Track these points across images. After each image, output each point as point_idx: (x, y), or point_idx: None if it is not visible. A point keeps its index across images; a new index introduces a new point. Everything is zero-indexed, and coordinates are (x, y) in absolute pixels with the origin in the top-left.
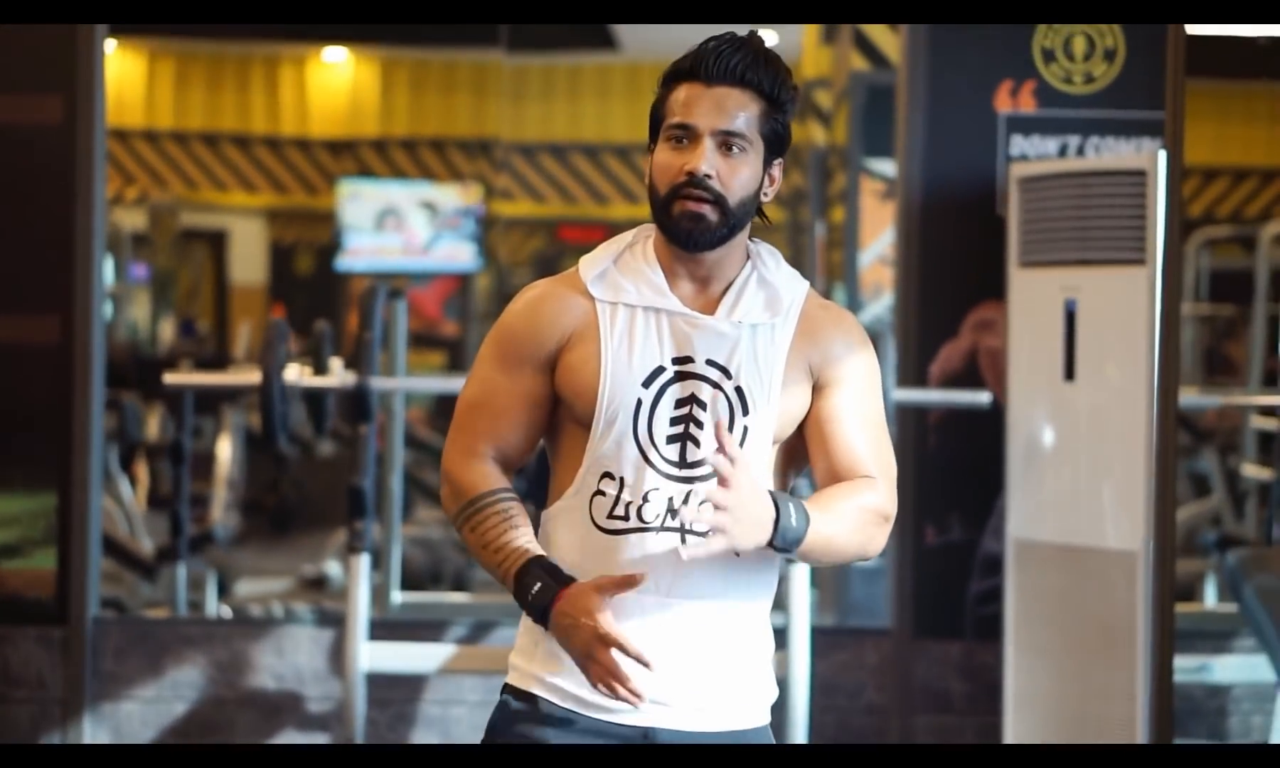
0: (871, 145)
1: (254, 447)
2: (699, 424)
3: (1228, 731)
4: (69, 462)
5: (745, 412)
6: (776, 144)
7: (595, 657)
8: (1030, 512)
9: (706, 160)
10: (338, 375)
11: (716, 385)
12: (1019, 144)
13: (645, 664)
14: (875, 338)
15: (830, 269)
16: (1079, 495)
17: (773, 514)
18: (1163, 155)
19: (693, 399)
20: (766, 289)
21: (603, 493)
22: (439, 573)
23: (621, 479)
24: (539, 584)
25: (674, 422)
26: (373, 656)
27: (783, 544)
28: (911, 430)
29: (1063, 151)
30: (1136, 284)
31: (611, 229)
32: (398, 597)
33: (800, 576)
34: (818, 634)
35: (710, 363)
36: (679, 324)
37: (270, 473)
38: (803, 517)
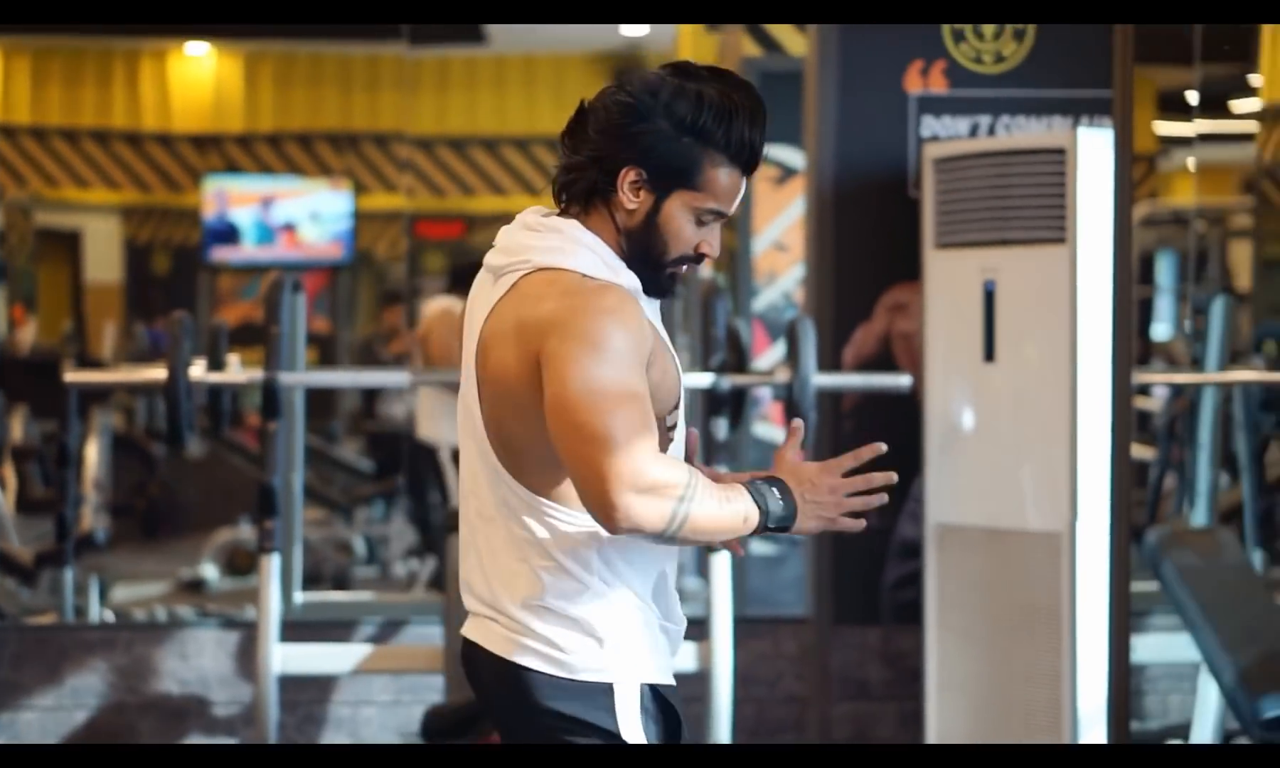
0: None
1: (120, 449)
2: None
3: (1145, 711)
4: None
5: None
6: None
7: (843, 489)
8: (950, 495)
9: (719, 244)
10: (242, 371)
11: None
12: (930, 125)
13: (878, 451)
14: (795, 324)
15: None
16: (1000, 478)
17: None
18: (1109, 135)
19: None
20: None
21: None
22: (319, 574)
23: (683, 454)
24: (777, 490)
25: None
26: (285, 658)
27: None
28: (827, 416)
29: (974, 131)
30: (1057, 263)
31: (470, 223)
32: (300, 596)
33: (721, 565)
34: (735, 624)
35: (670, 340)
36: (651, 313)
37: (137, 475)
38: None
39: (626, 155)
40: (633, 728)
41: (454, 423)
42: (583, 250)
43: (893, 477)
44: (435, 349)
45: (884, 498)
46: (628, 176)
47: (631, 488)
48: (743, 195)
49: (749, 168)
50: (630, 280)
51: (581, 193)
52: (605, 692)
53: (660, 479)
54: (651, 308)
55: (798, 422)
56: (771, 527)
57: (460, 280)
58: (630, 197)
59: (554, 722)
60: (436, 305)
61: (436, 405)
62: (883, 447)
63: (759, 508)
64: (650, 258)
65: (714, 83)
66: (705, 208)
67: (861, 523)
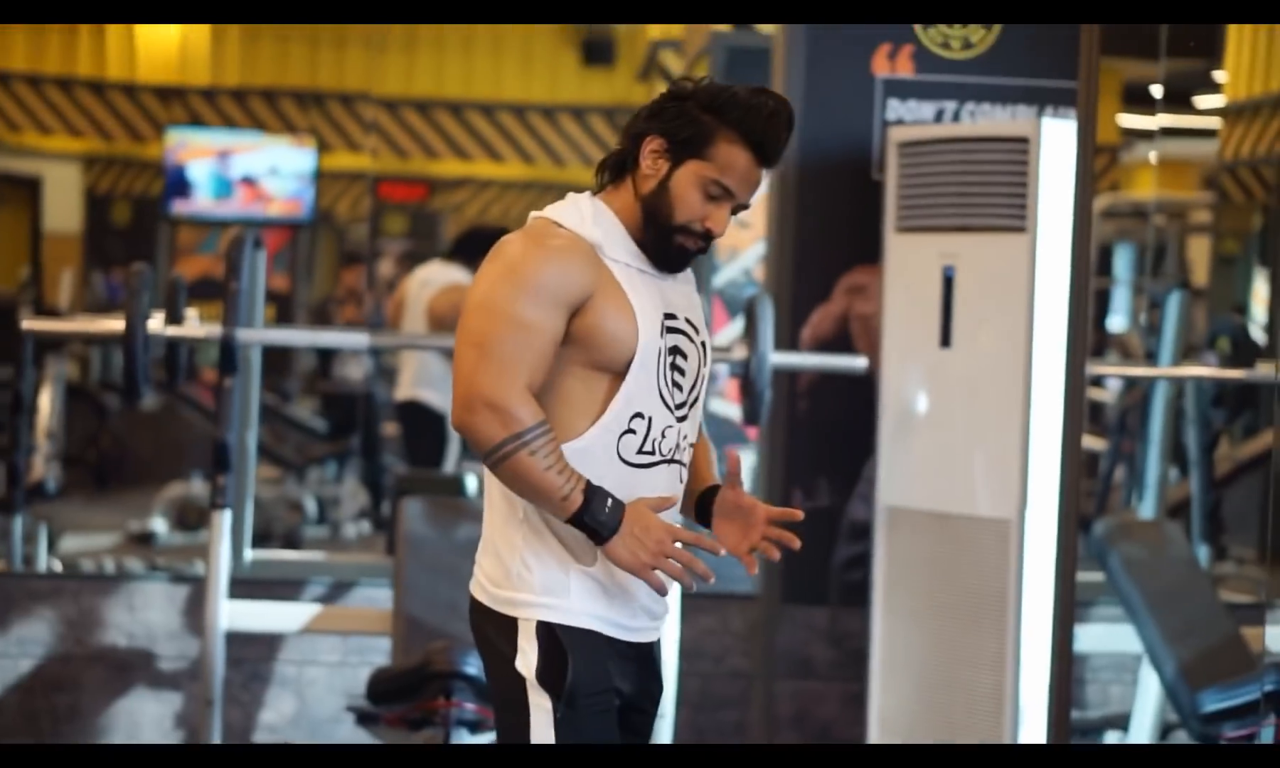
0: None
1: (73, 398)
2: (681, 372)
3: (1086, 700)
4: None
5: (706, 363)
6: None
7: (668, 553)
8: (902, 478)
9: (725, 225)
10: (200, 326)
11: (691, 340)
12: (895, 108)
13: (716, 550)
14: (754, 301)
15: None
16: (952, 463)
17: None
18: (1073, 125)
19: (676, 351)
20: None
21: (633, 431)
22: (269, 532)
23: (650, 419)
24: (610, 501)
25: (669, 368)
26: (233, 614)
27: None
28: (782, 394)
29: (939, 117)
30: (1017, 252)
31: (433, 186)
32: (250, 554)
33: None
34: (683, 598)
35: (688, 321)
36: (660, 285)
37: (90, 426)
38: None
39: (652, 126)
40: (525, 663)
41: None
42: (568, 205)
43: (707, 575)
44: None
45: (689, 580)
46: (650, 145)
47: (483, 398)
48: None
49: (762, 155)
50: (595, 235)
51: (614, 165)
52: (511, 624)
53: (510, 409)
54: (641, 278)
55: (737, 456)
56: (587, 524)
57: (461, 249)
58: (650, 163)
59: (482, 643)
60: (453, 279)
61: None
62: (798, 514)
63: (583, 501)
64: (658, 221)
65: (749, 87)
66: (712, 180)
67: (662, 585)
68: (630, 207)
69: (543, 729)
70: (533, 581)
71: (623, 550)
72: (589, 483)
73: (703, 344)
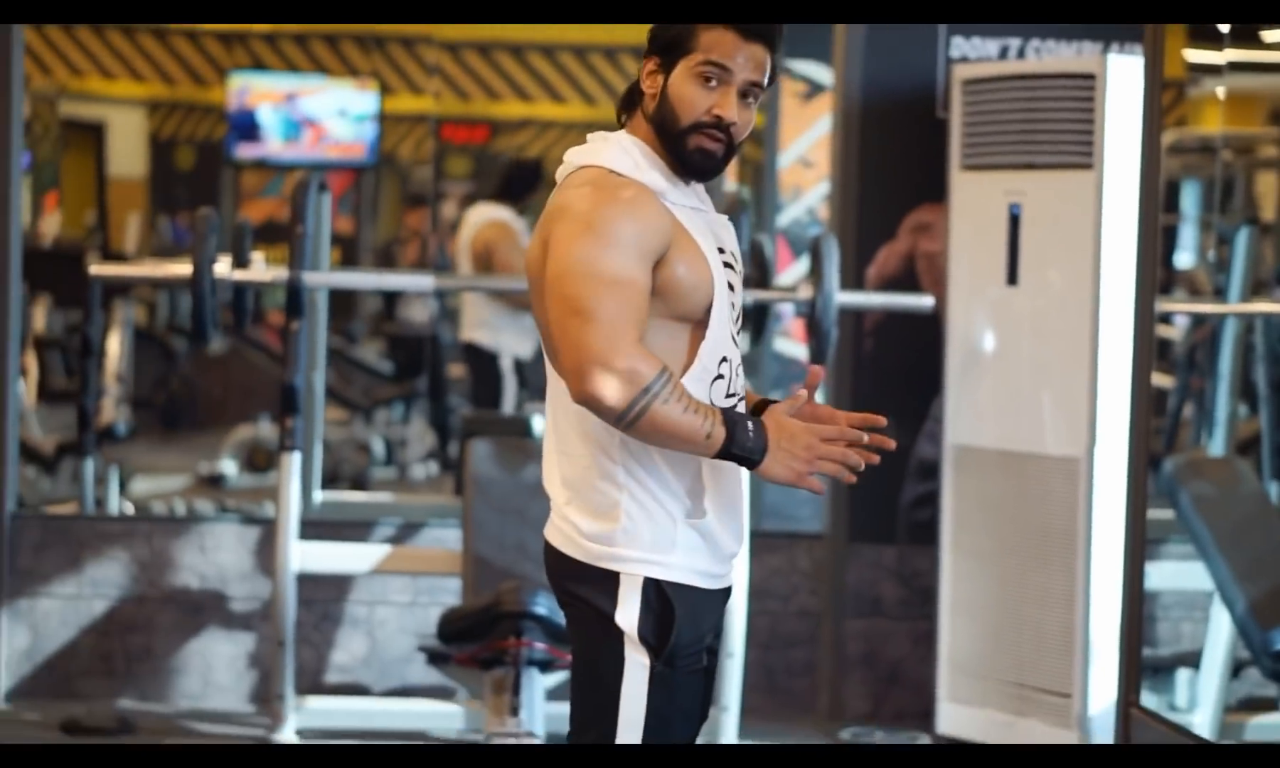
0: (792, 47)
1: (141, 342)
2: (733, 307)
3: (1157, 638)
4: None
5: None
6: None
7: (821, 453)
8: (969, 417)
9: (734, 109)
10: (266, 270)
11: (735, 270)
12: (959, 46)
13: (877, 422)
14: (819, 241)
15: (740, 171)
16: (1020, 401)
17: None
18: (1139, 61)
19: (730, 287)
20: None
21: (722, 376)
22: (337, 474)
23: (730, 361)
24: (751, 425)
25: (729, 307)
26: (303, 555)
27: None
28: (849, 334)
29: (1003, 53)
30: (1083, 189)
31: (495, 128)
32: (319, 495)
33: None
34: (751, 538)
35: (733, 254)
36: (708, 221)
37: (158, 369)
38: None
39: (646, 53)
40: (626, 617)
41: (516, 333)
42: (614, 148)
43: (874, 456)
44: (500, 264)
45: (849, 475)
46: (646, 68)
47: (600, 363)
48: (767, 78)
49: (744, 27)
50: (653, 180)
51: (626, 101)
52: (612, 579)
53: (630, 366)
54: (696, 217)
55: (819, 370)
56: (736, 454)
57: (508, 190)
58: (649, 84)
59: (566, 597)
60: (490, 217)
61: (499, 315)
62: (881, 420)
63: (726, 433)
64: (667, 131)
65: None
66: (700, 62)
67: (822, 488)
68: (645, 130)
69: (637, 686)
70: (641, 536)
71: (778, 468)
72: (724, 413)
73: (740, 273)
